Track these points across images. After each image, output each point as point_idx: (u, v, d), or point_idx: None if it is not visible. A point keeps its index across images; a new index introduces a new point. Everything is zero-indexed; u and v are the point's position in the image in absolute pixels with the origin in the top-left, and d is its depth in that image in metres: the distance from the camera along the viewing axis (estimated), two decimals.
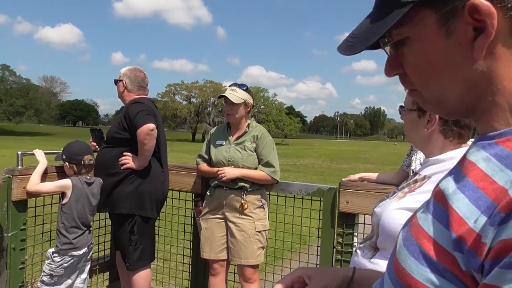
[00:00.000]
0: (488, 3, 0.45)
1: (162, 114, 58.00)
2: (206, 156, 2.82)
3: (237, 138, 2.75)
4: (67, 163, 2.57)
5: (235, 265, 2.80)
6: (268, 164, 2.68)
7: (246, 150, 2.69)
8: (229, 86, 2.84)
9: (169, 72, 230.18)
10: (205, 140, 2.91)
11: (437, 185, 0.52)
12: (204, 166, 2.81)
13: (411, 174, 2.04)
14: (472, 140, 0.64)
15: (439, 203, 0.49)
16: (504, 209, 0.40)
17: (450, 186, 0.49)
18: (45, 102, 60.89)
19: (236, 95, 2.70)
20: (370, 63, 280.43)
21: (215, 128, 2.93)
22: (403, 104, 1.30)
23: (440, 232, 0.47)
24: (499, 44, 0.47)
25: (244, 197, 2.63)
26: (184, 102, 60.89)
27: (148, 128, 2.55)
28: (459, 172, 0.50)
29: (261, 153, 2.69)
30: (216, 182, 2.70)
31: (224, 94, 2.72)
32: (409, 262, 0.48)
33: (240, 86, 2.78)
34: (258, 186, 2.69)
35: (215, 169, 2.69)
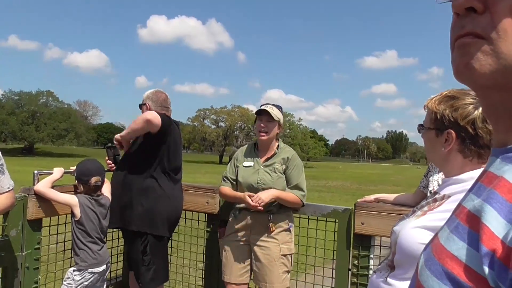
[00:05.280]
0: None
1: (192, 137, 61.24)
2: (233, 177, 2.68)
3: (266, 160, 2.63)
4: (77, 181, 2.62)
5: None
6: (297, 187, 2.56)
7: (276, 173, 2.56)
8: (263, 105, 2.69)
9: (191, 95, 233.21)
10: (230, 161, 2.78)
11: (459, 204, 0.50)
12: (227, 189, 2.64)
13: (429, 194, 1.97)
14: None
15: (462, 221, 0.47)
16: None
17: (475, 202, 0.46)
18: (83, 125, 63.72)
19: (273, 112, 2.58)
20: (390, 86, 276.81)
21: (240, 149, 2.80)
22: (422, 123, 1.30)
23: (464, 250, 0.44)
24: None
25: (271, 219, 2.52)
26: (213, 126, 62.37)
27: (148, 116, 2.57)
28: (481, 187, 0.47)
29: (291, 175, 2.56)
30: (241, 204, 2.57)
31: (264, 108, 2.59)
32: (432, 282, 0.45)
33: (276, 106, 2.66)
34: (286, 209, 2.57)
35: (244, 194, 2.49)
